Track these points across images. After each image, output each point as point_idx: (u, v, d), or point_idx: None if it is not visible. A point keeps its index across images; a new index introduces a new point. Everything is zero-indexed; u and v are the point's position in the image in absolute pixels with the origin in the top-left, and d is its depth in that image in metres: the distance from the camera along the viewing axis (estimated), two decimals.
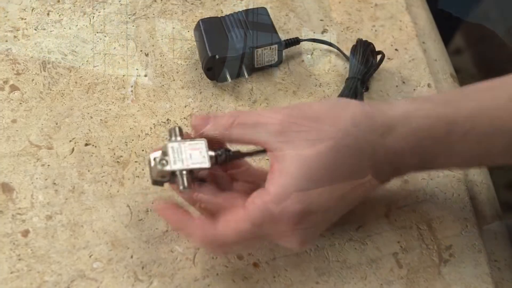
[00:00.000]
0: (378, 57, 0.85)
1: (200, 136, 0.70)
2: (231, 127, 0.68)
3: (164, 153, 0.69)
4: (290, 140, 0.67)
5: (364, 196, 0.69)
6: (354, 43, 0.88)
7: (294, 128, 0.67)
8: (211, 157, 0.69)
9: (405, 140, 0.68)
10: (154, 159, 0.69)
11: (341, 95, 0.81)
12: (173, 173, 0.69)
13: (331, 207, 0.69)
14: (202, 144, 0.70)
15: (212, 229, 0.68)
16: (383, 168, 0.69)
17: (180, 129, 0.71)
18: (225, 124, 0.69)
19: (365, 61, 0.83)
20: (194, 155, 0.69)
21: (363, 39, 0.85)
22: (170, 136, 0.70)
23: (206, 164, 0.69)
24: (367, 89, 0.84)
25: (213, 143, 0.71)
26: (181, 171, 0.68)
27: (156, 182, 0.70)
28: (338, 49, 0.87)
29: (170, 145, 0.69)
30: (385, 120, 0.67)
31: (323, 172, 0.66)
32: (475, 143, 0.68)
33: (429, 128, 0.67)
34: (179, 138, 0.70)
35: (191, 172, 0.69)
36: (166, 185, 0.72)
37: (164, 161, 0.68)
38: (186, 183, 0.68)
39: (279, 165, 0.67)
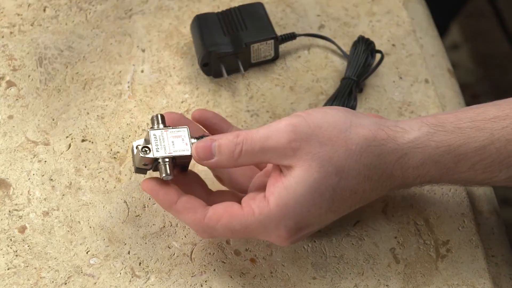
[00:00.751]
0: (377, 55, 0.85)
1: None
2: (239, 157, 0.68)
3: (147, 141, 0.69)
4: (301, 158, 0.66)
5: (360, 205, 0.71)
6: (351, 38, 0.88)
7: (306, 148, 0.66)
8: (193, 144, 0.70)
9: (413, 168, 0.68)
10: (137, 146, 0.69)
11: (336, 96, 0.81)
12: (155, 161, 0.69)
13: (328, 221, 0.70)
14: (184, 131, 0.70)
15: (201, 215, 0.68)
16: (386, 189, 0.70)
17: (163, 117, 0.71)
18: (231, 155, 0.68)
19: (363, 61, 0.83)
20: (177, 143, 0.69)
21: (365, 37, 0.85)
22: (153, 123, 0.70)
23: (189, 151, 0.69)
24: (361, 90, 0.84)
25: (195, 131, 0.72)
26: (163, 158, 0.68)
27: (139, 170, 0.70)
28: (333, 42, 0.87)
29: (152, 132, 0.69)
30: (396, 148, 0.68)
31: (327, 195, 0.67)
32: (481, 172, 0.69)
33: (439, 160, 0.68)
34: (161, 126, 0.70)
35: (173, 159, 0.69)
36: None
37: (146, 149, 0.68)
38: (168, 171, 0.68)
39: (285, 180, 0.67)
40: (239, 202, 0.69)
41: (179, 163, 0.70)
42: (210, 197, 0.71)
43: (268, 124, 0.68)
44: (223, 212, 0.67)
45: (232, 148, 0.67)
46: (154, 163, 0.69)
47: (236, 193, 0.73)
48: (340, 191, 0.67)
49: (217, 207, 0.68)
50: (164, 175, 0.68)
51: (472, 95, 1.75)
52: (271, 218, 0.66)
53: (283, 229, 0.67)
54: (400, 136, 0.68)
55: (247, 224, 0.67)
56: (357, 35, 0.86)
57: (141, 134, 0.81)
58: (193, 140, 0.70)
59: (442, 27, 0.98)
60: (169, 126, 0.70)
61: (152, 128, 0.70)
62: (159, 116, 0.71)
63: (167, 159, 0.68)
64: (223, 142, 0.68)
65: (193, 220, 0.68)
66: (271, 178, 0.68)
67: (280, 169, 0.67)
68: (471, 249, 0.75)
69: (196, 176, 0.73)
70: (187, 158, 0.70)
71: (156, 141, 0.69)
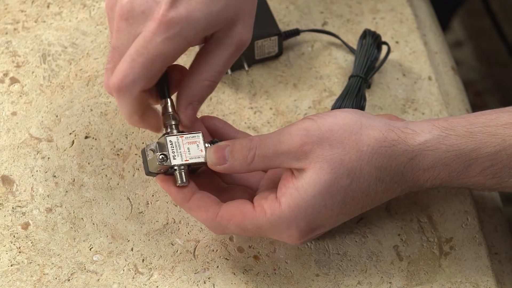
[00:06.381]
0: (383, 47, 0.85)
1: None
2: (252, 161, 0.68)
3: (161, 146, 0.69)
4: (312, 161, 0.67)
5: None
6: (355, 35, 0.88)
7: (317, 151, 0.67)
8: (206, 150, 0.69)
9: (423, 170, 0.69)
10: (151, 150, 0.69)
11: (345, 95, 0.81)
12: (171, 168, 0.69)
13: (339, 222, 0.71)
14: (199, 137, 0.70)
15: (213, 214, 0.68)
16: (397, 191, 0.70)
17: (177, 120, 0.71)
18: (245, 160, 0.68)
19: (370, 55, 0.83)
20: (192, 149, 0.69)
21: (371, 30, 0.84)
22: (166, 128, 0.70)
23: (204, 158, 0.69)
24: (369, 86, 0.84)
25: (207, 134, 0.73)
26: (179, 166, 0.68)
27: (151, 174, 0.70)
28: (338, 37, 0.87)
29: (168, 138, 0.69)
30: (407, 149, 0.68)
31: (339, 197, 0.67)
32: (491, 177, 0.69)
33: (449, 163, 0.68)
34: (175, 131, 0.70)
35: (188, 166, 0.69)
36: None
37: (163, 156, 0.68)
38: (184, 179, 0.69)
39: (297, 181, 0.67)
40: (251, 198, 0.69)
41: (193, 168, 0.71)
42: (222, 192, 0.71)
43: (280, 129, 0.69)
44: (236, 212, 0.68)
45: (245, 153, 0.68)
46: (170, 170, 0.69)
47: (248, 189, 0.73)
48: (351, 193, 0.67)
49: (229, 206, 0.68)
50: (180, 182, 0.68)
51: (476, 92, 1.75)
52: (282, 219, 0.67)
53: (294, 230, 0.67)
54: (411, 138, 0.68)
55: (259, 224, 0.67)
56: (361, 32, 0.86)
57: (144, 131, 0.81)
58: (208, 145, 0.70)
59: (443, 24, 0.98)
60: (183, 131, 0.70)
61: (167, 133, 0.70)
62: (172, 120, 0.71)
63: (183, 167, 0.69)
64: (236, 147, 0.68)
65: (205, 218, 0.68)
66: (282, 180, 0.68)
67: (292, 171, 0.68)
68: (474, 247, 0.75)
69: (210, 171, 0.73)
70: (202, 164, 0.70)
71: (172, 148, 0.69)
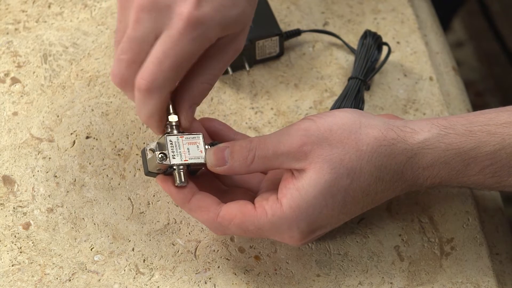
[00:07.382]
0: (384, 48, 0.85)
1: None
2: (252, 162, 0.68)
3: (161, 146, 0.69)
4: (312, 161, 0.67)
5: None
6: (356, 35, 0.88)
7: (317, 151, 0.67)
8: (206, 151, 0.70)
9: (423, 169, 0.69)
10: (150, 150, 0.69)
11: (344, 97, 0.81)
12: (170, 167, 0.69)
13: (340, 222, 0.71)
14: (199, 138, 0.70)
15: (214, 214, 0.68)
16: (397, 190, 0.70)
17: (177, 121, 0.71)
18: (244, 161, 0.68)
19: (370, 56, 0.83)
20: (192, 150, 0.69)
21: (372, 31, 0.84)
22: (166, 128, 0.70)
23: (204, 159, 0.69)
24: (368, 88, 0.84)
25: (208, 136, 0.73)
26: (178, 166, 0.68)
27: (151, 174, 0.70)
28: (339, 37, 0.87)
29: (168, 138, 0.69)
30: (406, 148, 0.68)
31: (339, 197, 0.67)
32: (491, 176, 0.69)
33: (448, 162, 0.68)
34: (175, 131, 0.70)
35: (188, 166, 0.69)
36: None
37: (162, 155, 0.68)
38: (183, 179, 0.69)
39: (298, 182, 0.67)
40: (252, 200, 0.69)
41: (192, 169, 0.71)
42: (222, 195, 0.71)
43: (279, 129, 0.69)
44: (237, 212, 0.68)
45: (245, 154, 0.68)
46: (169, 170, 0.69)
47: (248, 191, 0.73)
48: (352, 193, 0.67)
49: (230, 207, 0.68)
50: (178, 182, 0.68)
51: (476, 93, 1.75)
52: (283, 219, 0.67)
53: (296, 231, 0.67)
54: (410, 137, 0.68)
55: (260, 225, 0.67)
56: (362, 32, 0.86)
57: (145, 131, 0.81)
58: (208, 147, 0.70)
59: (444, 24, 0.98)
60: (184, 132, 0.70)
61: (168, 133, 0.70)
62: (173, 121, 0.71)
63: (182, 167, 0.69)
64: (236, 148, 0.68)
65: (206, 218, 0.68)
66: (283, 181, 0.68)
67: (292, 171, 0.68)
68: (475, 247, 0.75)
69: (209, 173, 0.73)
70: (201, 165, 0.70)
71: (172, 147, 0.69)
